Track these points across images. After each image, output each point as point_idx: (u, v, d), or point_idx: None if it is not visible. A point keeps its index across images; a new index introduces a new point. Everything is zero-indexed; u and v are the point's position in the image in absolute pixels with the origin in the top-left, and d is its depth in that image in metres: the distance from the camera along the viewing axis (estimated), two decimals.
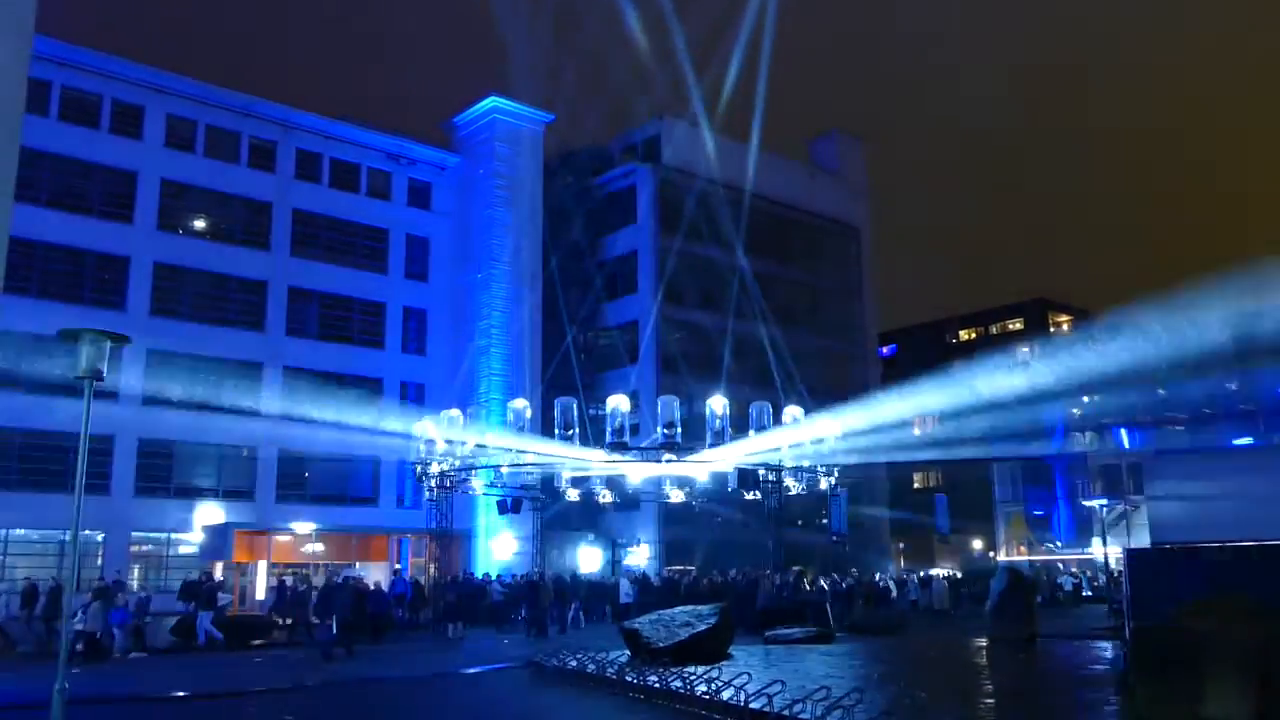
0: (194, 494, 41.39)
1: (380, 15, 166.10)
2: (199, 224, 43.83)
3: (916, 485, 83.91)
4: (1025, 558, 56.69)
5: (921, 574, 42.98)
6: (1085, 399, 58.33)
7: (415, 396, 47.86)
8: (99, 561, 38.43)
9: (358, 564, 38.94)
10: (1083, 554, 54.86)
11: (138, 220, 41.53)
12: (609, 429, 29.32)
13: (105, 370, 10.54)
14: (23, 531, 37.62)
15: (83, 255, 40.09)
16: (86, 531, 37.41)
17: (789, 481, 31.21)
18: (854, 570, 38.03)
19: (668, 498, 35.83)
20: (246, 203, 44.64)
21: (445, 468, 30.63)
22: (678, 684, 14.76)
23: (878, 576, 37.78)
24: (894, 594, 37.41)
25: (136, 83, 42.04)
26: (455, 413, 30.66)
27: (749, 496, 31.88)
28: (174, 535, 40.55)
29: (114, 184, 41.31)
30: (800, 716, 12.00)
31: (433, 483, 31.36)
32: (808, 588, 34.06)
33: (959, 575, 47.52)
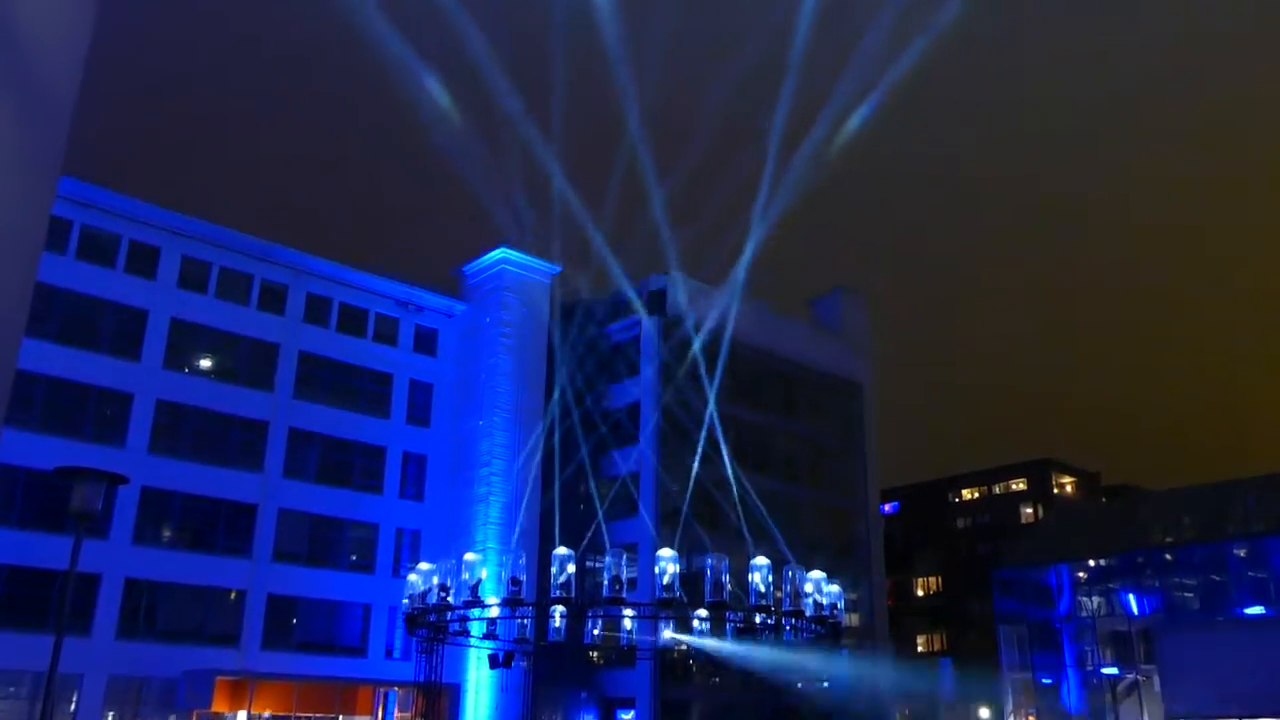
0: (177, 637, 40.24)
1: (394, 164, 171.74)
2: (205, 363, 44.12)
3: (920, 649, 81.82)
4: None
5: None
6: (1091, 562, 57.40)
7: (411, 543, 47.19)
8: (72, 707, 37.09)
9: (340, 717, 37.56)
10: None
11: (144, 358, 41.81)
12: (606, 582, 28.68)
13: (99, 508, 10.36)
14: None
15: (86, 391, 40.20)
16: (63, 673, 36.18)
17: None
18: None
19: (666, 649, 34.77)
20: (254, 344, 45.03)
21: (437, 617, 29.82)
22: None
23: None
24: None
25: (154, 224, 43.02)
26: (451, 562, 30.07)
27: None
28: (153, 680, 39.17)
29: (124, 322, 41.79)
30: None
31: (423, 633, 30.48)
32: None
33: None
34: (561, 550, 29.26)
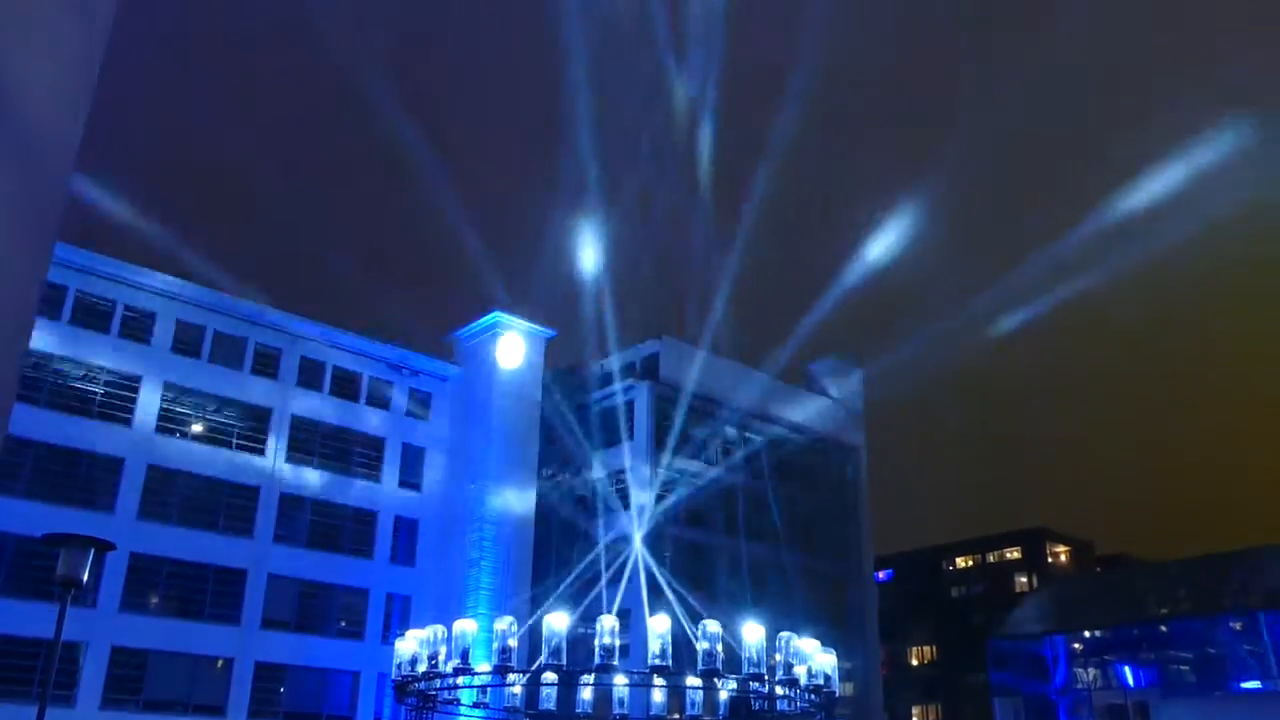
0: (163, 707, 39.54)
1: (391, 228, 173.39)
2: (197, 428, 43.97)
3: None
4: None
5: None
6: (1087, 633, 56.87)
7: (401, 608, 46.66)
8: None
9: None
10: None
11: (136, 422, 41.67)
12: (597, 648, 28.35)
13: (85, 577, 10.32)
14: None
15: (76, 456, 39.96)
16: None
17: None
18: None
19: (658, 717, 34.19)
20: (247, 408, 44.95)
21: (426, 685, 29.39)
22: None
23: None
24: None
25: (150, 289, 43.18)
26: (440, 628, 29.72)
27: None
28: None
29: (117, 386, 41.73)
30: None
31: (412, 701, 30.01)
32: None
33: None
34: (553, 616, 28.99)
